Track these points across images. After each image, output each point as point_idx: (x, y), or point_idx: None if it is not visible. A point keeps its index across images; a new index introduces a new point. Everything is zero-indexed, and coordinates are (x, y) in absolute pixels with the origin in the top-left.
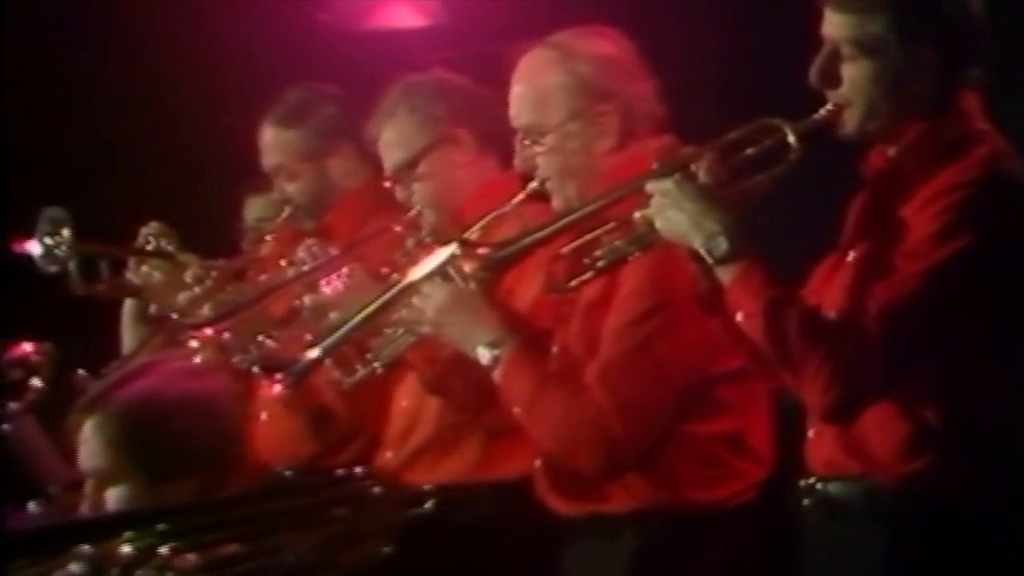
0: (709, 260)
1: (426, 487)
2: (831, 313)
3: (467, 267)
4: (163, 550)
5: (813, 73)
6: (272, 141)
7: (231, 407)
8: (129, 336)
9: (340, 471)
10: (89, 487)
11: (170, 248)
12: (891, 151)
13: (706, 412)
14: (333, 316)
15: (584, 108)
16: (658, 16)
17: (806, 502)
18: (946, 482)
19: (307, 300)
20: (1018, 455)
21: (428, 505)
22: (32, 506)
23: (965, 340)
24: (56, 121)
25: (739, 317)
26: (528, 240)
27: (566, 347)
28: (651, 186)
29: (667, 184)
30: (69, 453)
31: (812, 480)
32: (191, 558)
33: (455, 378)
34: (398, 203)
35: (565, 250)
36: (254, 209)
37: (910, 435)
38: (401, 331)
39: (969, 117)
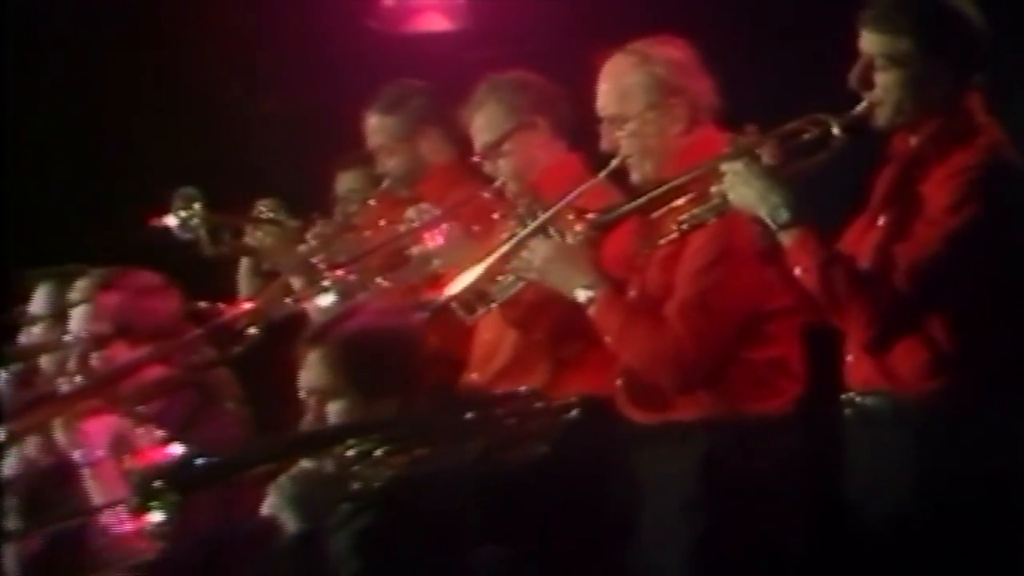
0: (773, 226)
1: (572, 399)
2: (868, 267)
3: (578, 227)
4: (378, 452)
5: (853, 78)
6: (375, 126)
7: (422, 339)
8: (245, 287)
9: (509, 391)
10: (313, 404)
11: (279, 217)
12: (912, 140)
13: (758, 341)
14: (436, 263)
15: (659, 101)
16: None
17: (847, 412)
18: (957, 397)
19: (415, 251)
20: (1013, 377)
21: (573, 413)
22: None
23: (972, 288)
24: (181, 117)
25: (797, 271)
26: (627, 208)
27: (643, 290)
28: (726, 166)
29: (738, 165)
30: None
31: (851, 395)
32: (397, 458)
33: (534, 317)
34: (480, 177)
35: (655, 215)
36: (344, 182)
37: (929, 360)
38: (512, 278)
39: (974, 113)
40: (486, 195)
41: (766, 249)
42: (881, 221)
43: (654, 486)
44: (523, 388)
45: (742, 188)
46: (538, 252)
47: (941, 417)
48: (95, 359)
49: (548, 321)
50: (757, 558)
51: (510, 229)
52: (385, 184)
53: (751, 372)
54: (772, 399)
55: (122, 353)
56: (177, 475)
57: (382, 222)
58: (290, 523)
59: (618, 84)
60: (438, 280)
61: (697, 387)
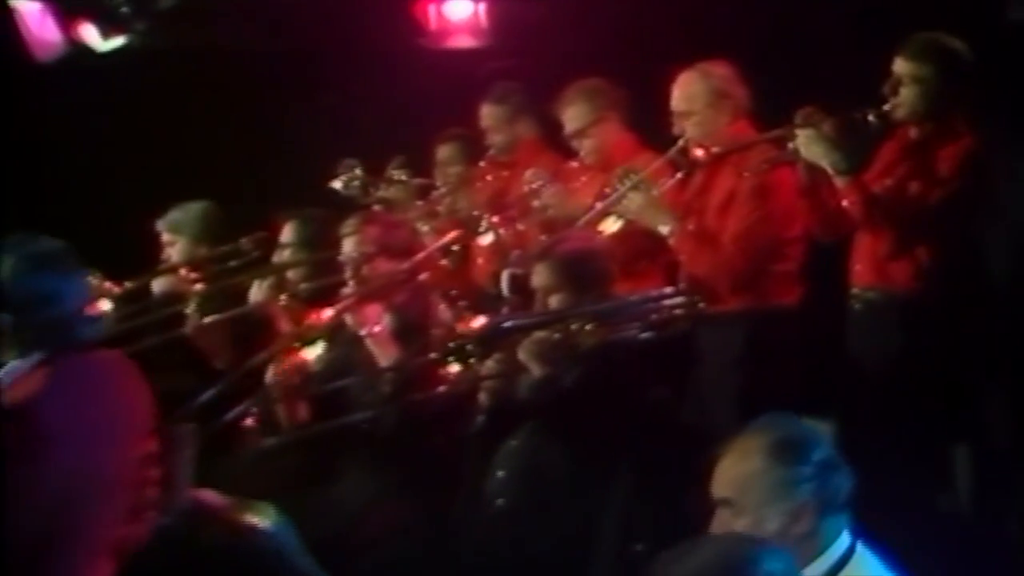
0: (833, 172)
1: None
2: (888, 206)
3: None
4: (587, 327)
5: (887, 88)
6: (487, 112)
7: (608, 254)
8: (348, 238)
9: (653, 292)
10: (540, 296)
11: (405, 176)
12: (912, 131)
13: (781, 258)
14: (550, 212)
15: (714, 102)
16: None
17: (855, 305)
18: (933, 294)
19: (535, 202)
20: (963, 283)
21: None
22: None
23: (957, 228)
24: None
25: (845, 203)
26: (728, 149)
27: (701, 225)
28: (799, 131)
29: (810, 130)
30: None
31: (858, 291)
32: (598, 331)
33: (616, 246)
34: (558, 150)
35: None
36: (443, 153)
37: (916, 268)
38: (615, 217)
39: (957, 121)
40: (574, 164)
41: (808, 186)
42: (889, 181)
43: (711, 352)
44: (668, 289)
45: (813, 146)
46: (634, 200)
47: (920, 307)
48: (364, 270)
49: (626, 248)
50: (784, 399)
51: (598, 187)
52: (491, 153)
53: (776, 279)
54: (787, 296)
55: (383, 266)
56: (483, 338)
57: (488, 178)
58: (535, 369)
59: (687, 90)
60: (552, 224)
61: (741, 289)
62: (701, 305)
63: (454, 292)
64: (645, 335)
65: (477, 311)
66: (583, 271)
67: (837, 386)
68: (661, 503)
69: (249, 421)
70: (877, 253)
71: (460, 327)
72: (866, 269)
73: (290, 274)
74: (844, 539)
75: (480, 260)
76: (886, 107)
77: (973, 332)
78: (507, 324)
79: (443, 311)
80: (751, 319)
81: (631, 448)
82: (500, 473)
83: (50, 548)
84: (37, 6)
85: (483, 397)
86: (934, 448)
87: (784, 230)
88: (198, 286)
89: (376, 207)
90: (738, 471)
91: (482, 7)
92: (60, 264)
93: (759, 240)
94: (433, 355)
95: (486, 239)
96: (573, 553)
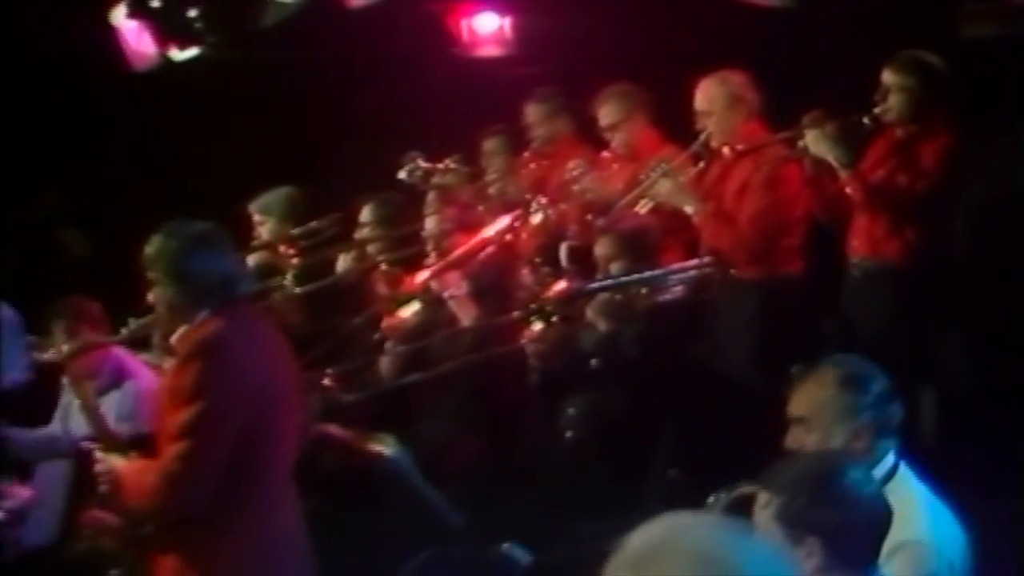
0: (836, 165)
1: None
2: (883, 193)
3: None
4: (643, 290)
5: (878, 96)
6: (532, 110)
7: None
8: (430, 209)
9: (693, 261)
10: (602, 264)
11: (456, 166)
12: (899, 132)
13: (787, 234)
14: (588, 195)
15: (731, 104)
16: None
17: (853, 272)
18: (918, 264)
19: (576, 186)
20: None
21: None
22: None
23: (938, 212)
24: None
25: (848, 189)
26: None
27: (719, 206)
28: (808, 131)
29: (817, 130)
30: None
31: (856, 261)
32: (653, 294)
33: None
34: (591, 143)
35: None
36: (489, 145)
37: (906, 244)
38: (645, 200)
39: (936, 122)
40: (605, 155)
41: (812, 177)
42: (881, 172)
43: (729, 312)
44: (699, 260)
45: (820, 144)
46: (662, 185)
47: (909, 274)
48: (444, 243)
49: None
50: (789, 351)
51: (627, 175)
52: (533, 145)
53: (784, 253)
54: (793, 266)
55: (462, 240)
56: (564, 300)
57: (532, 166)
58: (602, 325)
59: (708, 93)
60: (590, 205)
61: (756, 260)
62: (732, 272)
63: (538, 260)
64: (685, 297)
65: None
66: (639, 243)
67: (833, 340)
68: (698, 438)
69: (327, 381)
70: (872, 231)
71: (545, 290)
72: (862, 244)
73: (369, 248)
74: (890, 459)
75: (525, 236)
76: (876, 111)
77: (944, 295)
78: (588, 288)
79: (526, 276)
80: (763, 285)
81: (677, 392)
82: (571, 411)
83: (250, 463)
84: (134, 23)
85: (539, 350)
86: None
87: (790, 212)
88: (295, 260)
89: (432, 192)
90: (813, 396)
91: (507, 21)
92: (217, 239)
93: (770, 220)
94: (517, 314)
95: (537, 218)
96: (630, 478)
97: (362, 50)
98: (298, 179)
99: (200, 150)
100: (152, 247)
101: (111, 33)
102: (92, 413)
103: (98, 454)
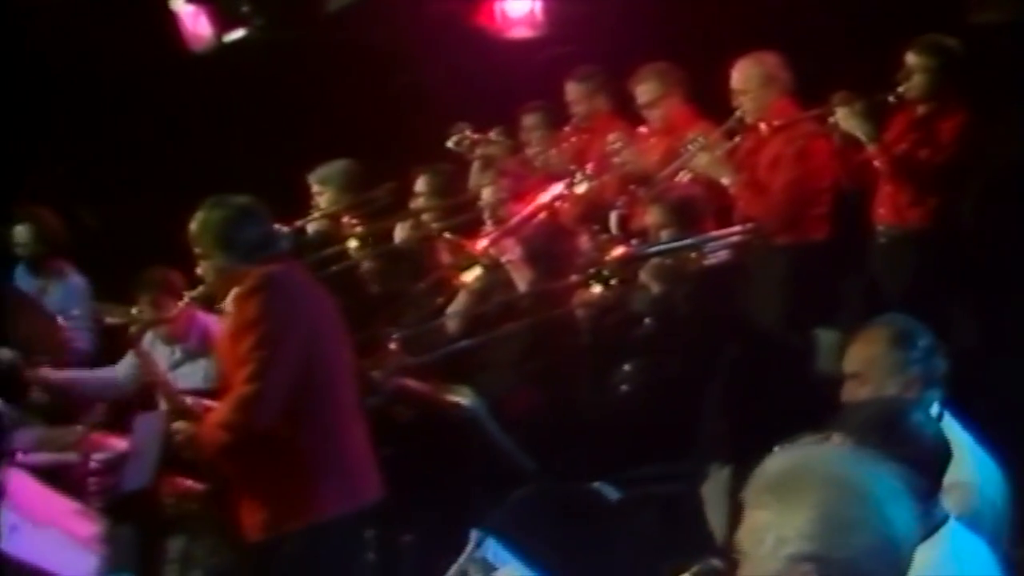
0: (864, 139)
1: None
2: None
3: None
4: (692, 255)
5: (900, 76)
6: (572, 88)
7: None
8: (475, 177)
9: (736, 227)
10: (652, 231)
11: (499, 138)
12: (920, 108)
13: (815, 204)
14: (627, 167)
15: (765, 83)
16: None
17: (880, 239)
18: (934, 230)
19: (616, 159)
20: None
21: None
22: None
23: (957, 183)
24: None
25: (876, 163)
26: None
27: (753, 176)
28: (839, 108)
29: (846, 108)
30: None
31: (882, 228)
32: (700, 257)
33: None
34: (628, 119)
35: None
36: (528, 120)
37: (927, 211)
38: (683, 172)
39: (951, 99)
40: (643, 130)
41: (841, 150)
42: (904, 146)
43: (761, 274)
44: (741, 226)
45: (849, 120)
46: (699, 158)
47: (928, 239)
48: (500, 211)
49: None
50: (816, 310)
51: (663, 148)
52: (573, 120)
53: (812, 222)
54: (820, 233)
55: (517, 208)
56: (621, 264)
57: (573, 140)
58: (654, 287)
59: (743, 73)
60: (628, 176)
61: (787, 227)
62: (771, 237)
63: (596, 227)
64: (728, 261)
65: None
66: (688, 211)
67: (856, 299)
68: (744, 389)
69: (392, 345)
70: (897, 200)
71: (604, 255)
72: (888, 212)
73: (424, 217)
74: (935, 408)
75: (566, 205)
76: (900, 89)
77: (960, 258)
78: (644, 251)
79: (585, 241)
80: (793, 250)
81: (722, 348)
82: (626, 367)
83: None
84: (191, 7)
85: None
86: None
87: (818, 183)
88: (357, 229)
89: (477, 162)
90: (866, 352)
91: (538, 4)
92: (255, 208)
93: (799, 191)
94: (576, 277)
95: (581, 188)
96: (683, 428)
97: (399, 36)
98: (357, 151)
99: (271, 125)
100: (196, 222)
101: (170, 17)
102: (162, 387)
103: (175, 425)
